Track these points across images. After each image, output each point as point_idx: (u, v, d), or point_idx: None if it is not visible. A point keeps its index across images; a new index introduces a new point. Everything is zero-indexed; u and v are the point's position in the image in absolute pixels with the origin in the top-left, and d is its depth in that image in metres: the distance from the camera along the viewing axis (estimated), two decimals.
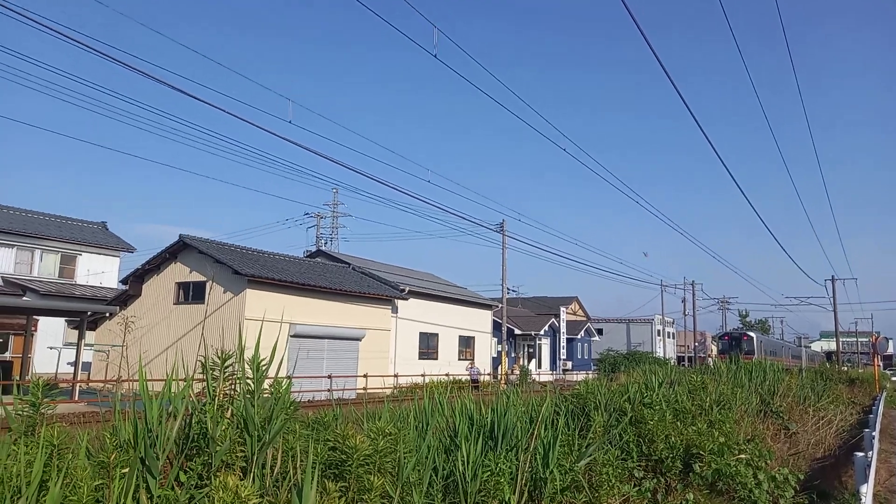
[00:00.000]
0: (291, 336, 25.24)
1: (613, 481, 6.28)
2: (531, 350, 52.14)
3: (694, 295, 62.01)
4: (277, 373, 4.18)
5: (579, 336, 57.99)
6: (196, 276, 26.04)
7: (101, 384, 23.01)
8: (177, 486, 3.46)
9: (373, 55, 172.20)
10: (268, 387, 4.07)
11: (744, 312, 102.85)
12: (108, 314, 25.22)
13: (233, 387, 4.11)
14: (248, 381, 3.99)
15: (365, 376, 27.38)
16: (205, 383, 4.00)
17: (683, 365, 50.47)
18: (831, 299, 52.79)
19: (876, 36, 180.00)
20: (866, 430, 11.25)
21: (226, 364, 4.08)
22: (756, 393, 14.20)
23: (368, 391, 25.03)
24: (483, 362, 39.77)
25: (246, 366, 4.04)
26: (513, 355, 48.59)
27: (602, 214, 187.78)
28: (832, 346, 72.68)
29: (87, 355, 26.13)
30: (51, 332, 30.59)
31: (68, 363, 28.05)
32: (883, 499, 9.69)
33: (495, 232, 37.18)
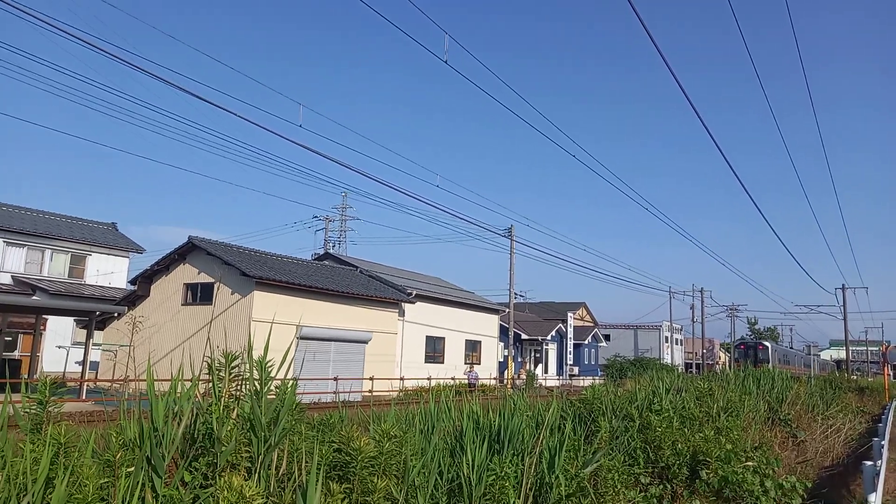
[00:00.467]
0: (298, 338, 25.29)
1: (619, 487, 6.25)
2: (538, 355, 51.99)
3: (703, 302, 61.69)
4: (286, 374, 4.19)
5: (586, 342, 57.80)
6: (204, 278, 26.13)
7: (109, 383, 23.11)
8: (182, 485, 3.46)
9: (383, 60, 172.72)
10: (274, 388, 4.08)
11: (752, 320, 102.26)
12: (116, 314, 25.36)
13: (239, 388, 4.12)
14: (255, 382, 3.99)
15: (371, 379, 27.39)
16: (211, 384, 4.01)
17: (691, 372, 50.35)
18: (842, 308, 52.35)
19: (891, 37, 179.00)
20: (875, 438, 11.15)
21: (232, 365, 4.09)
22: (764, 400, 14.11)
23: (374, 394, 25.02)
24: (489, 367, 39.69)
25: (252, 367, 4.05)
26: (519, 360, 48.46)
27: (611, 221, 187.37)
28: (842, 354, 72.30)
29: (95, 355, 26.27)
30: (60, 331, 30.77)
31: (76, 362, 28.21)
32: None
33: (503, 237, 37.12)
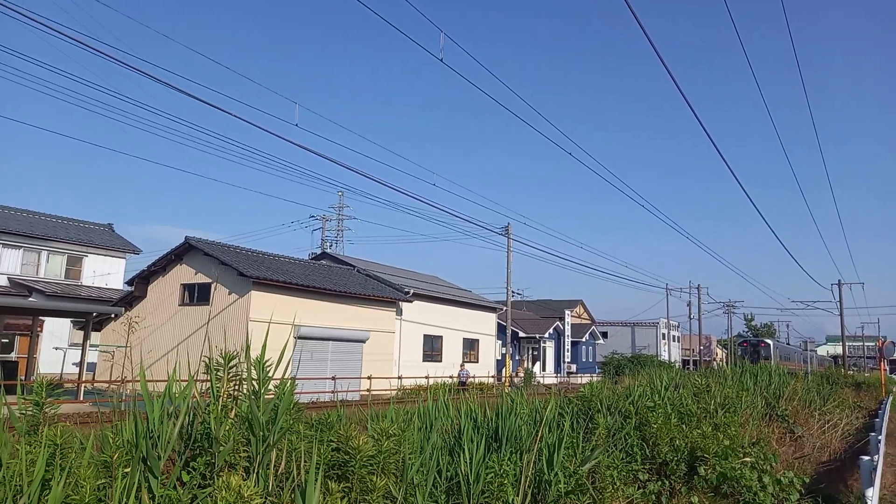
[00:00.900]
0: (296, 337, 25.27)
1: (618, 483, 6.25)
2: (535, 353, 52.03)
3: (700, 299, 61.79)
4: (284, 374, 4.18)
5: (584, 339, 57.87)
6: (201, 278, 26.09)
7: (106, 385, 23.07)
8: (179, 486, 3.45)
9: (379, 59, 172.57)
10: (273, 388, 4.07)
11: (749, 316, 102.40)
12: (113, 315, 25.29)
13: (237, 387, 4.11)
14: (253, 381, 3.98)
15: (369, 378, 27.38)
16: (209, 384, 4.00)
17: (688, 368, 50.56)
18: (838, 303, 52.38)
19: (886, 20, 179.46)
20: (872, 433, 11.18)
21: (230, 365, 4.08)
22: (761, 396, 14.14)
23: (372, 393, 25.03)
24: (487, 365, 39.71)
25: (251, 366, 4.04)
26: (517, 358, 48.51)
27: (608, 217, 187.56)
28: (838, 350, 72.77)
29: (92, 356, 26.20)
30: (56, 332, 30.70)
31: (73, 364, 28.12)
32: (889, 502, 9.63)
33: (500, 235, 37.15)
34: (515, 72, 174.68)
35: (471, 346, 38.99)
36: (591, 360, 59.20)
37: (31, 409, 3.71)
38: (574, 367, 53.65)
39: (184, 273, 26.72)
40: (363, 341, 28.98)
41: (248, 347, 4.10)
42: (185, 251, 26.73)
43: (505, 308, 39.12)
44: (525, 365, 48.26)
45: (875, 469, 7.97)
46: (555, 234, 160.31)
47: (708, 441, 8.08)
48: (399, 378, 30.20)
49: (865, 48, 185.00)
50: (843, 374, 36.07)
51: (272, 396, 4.00)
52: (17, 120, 76.50)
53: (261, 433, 3.75)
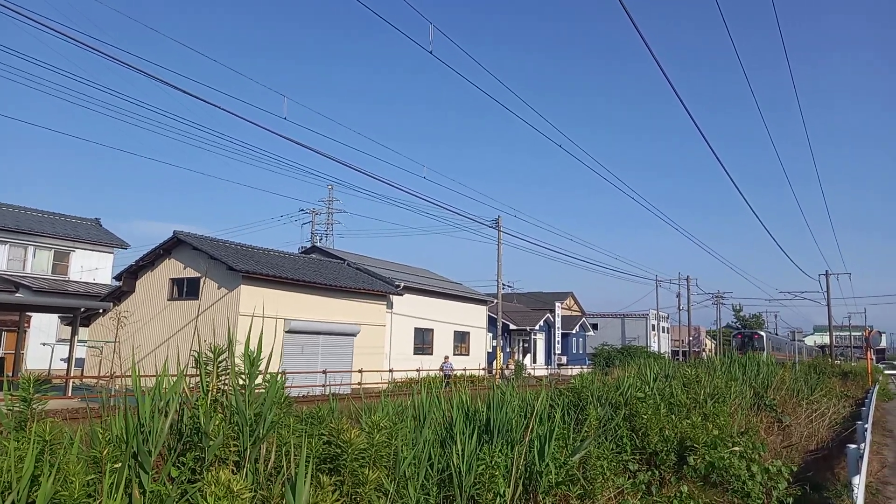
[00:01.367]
0: (286, 332, 25.20)
1: (608, 474, 6.29)
2: (526, 345, 52.20)
3: (689, 290, 62.19)
4: (274, 367, 4.16)
5: (574, 331, 58.12)
6: (190, 273, 25.94)
7: (95, 380, 22.93)
8: (169, 481, 3.44)
9: (368, 51, 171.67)
10: (262, 382, 4.06)
11: (738, 307, 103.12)
12: (101, 310, 25.13)
13: (226, 382, 4.10)
14: (242, 376, 3.97)
15: (360, 371, 27.39)
16: (199, 378, 3.98)
17: (678, 359, 50.96)
18: (825, 294, 52.84)
19: (873, 20, 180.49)
20: (859, 422, 11.30)
21: (219, 359, 4.06)
22: (750, 386, 14.25)
23: (364, 386, 25.03)
24: (478, 357, 39.79)
25: (239, 361, 4.02)
26: (508, 350, 48.63)
27: (597, 210, 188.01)
28: (825, 340, 73.75)
29: (80, 351, 26.04)
30: (44, 328, 30.46)
31: (61, 359, 27.96)
32: (875, 490, 9.75)
33: (491, 228, 37.19)
34: (519, 74, 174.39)
35: (462, 339, 39.05)
36: (581, 352, 59.48)
37: (18, 405, 3.67)
38: (565, 359, 53.90)
39: (172, 268, 26.56)
40: (354, 335, 28.95)
41: (230, 342, 4.08)
42: (173, 246, 26.55)
43: (495, 300, 39.20)
44: (516, 357, 48.40)
45: (861, 457, 8.06)
46: (545, 226, 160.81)
47: (697, 431, 8.14)
48: (390, 371, 30.22)
49: (856, 45, 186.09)
50: (831, 363, 36.46)
51: (263, 391, 3.99)
52: (4, 115, 75.55)
53: (247, 427, 3.73)
